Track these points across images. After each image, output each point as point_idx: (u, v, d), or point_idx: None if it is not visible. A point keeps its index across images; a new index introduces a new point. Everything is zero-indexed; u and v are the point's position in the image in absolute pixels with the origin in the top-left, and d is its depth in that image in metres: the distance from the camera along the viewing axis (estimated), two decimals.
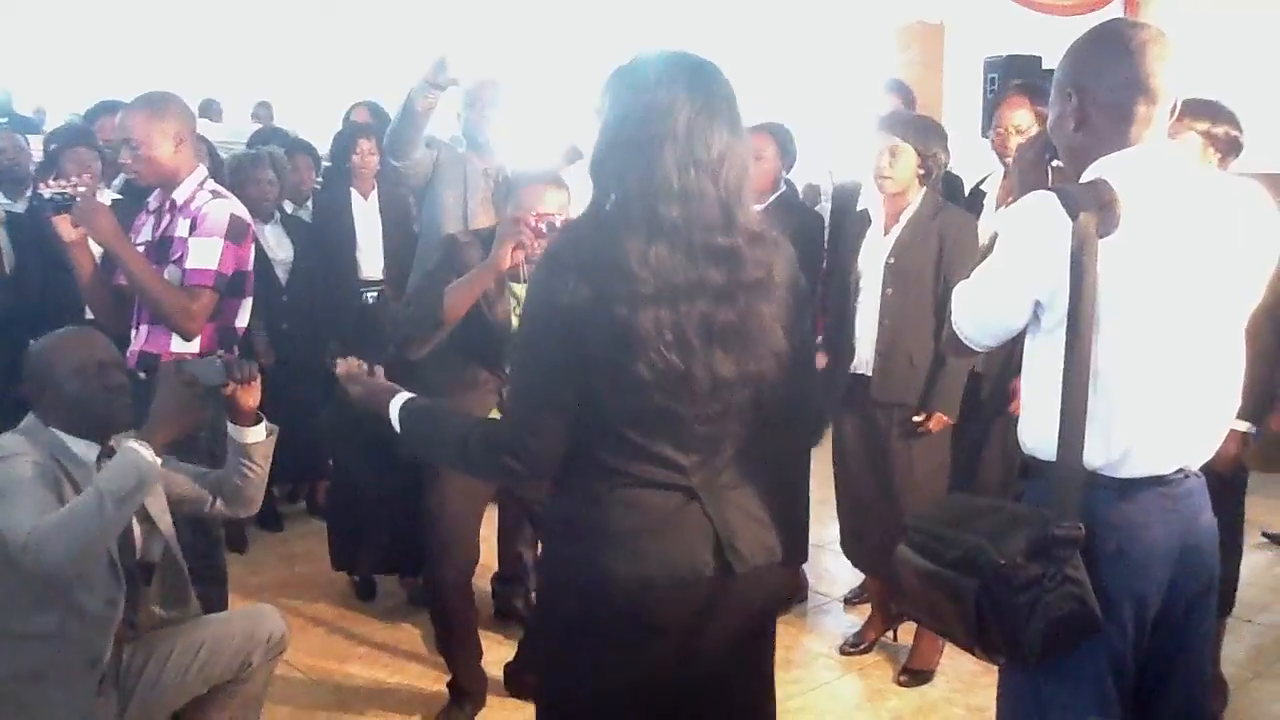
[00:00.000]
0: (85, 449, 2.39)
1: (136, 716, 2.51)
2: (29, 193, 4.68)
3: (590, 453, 1.69)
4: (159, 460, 2.20)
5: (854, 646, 3.71)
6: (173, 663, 2.52)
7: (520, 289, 2.99)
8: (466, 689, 3.23)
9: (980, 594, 1.73)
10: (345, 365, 2.02)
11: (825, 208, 5.86)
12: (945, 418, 3.37)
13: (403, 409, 1.87)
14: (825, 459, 3.90)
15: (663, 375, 1.62)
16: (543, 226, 2.72)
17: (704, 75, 1.67)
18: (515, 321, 2.99)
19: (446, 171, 3.72)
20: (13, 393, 2.43)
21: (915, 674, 3.50)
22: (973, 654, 1.88)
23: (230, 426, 2.54)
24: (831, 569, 4.42)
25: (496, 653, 3.45)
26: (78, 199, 2.85)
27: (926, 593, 1.86)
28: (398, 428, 1.87)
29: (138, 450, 2.17)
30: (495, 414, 2.98)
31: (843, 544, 3.69)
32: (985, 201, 3.69)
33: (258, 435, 2.54)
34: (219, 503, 2.61)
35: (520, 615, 3.76)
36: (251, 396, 2.49)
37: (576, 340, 1.61)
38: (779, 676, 2.03)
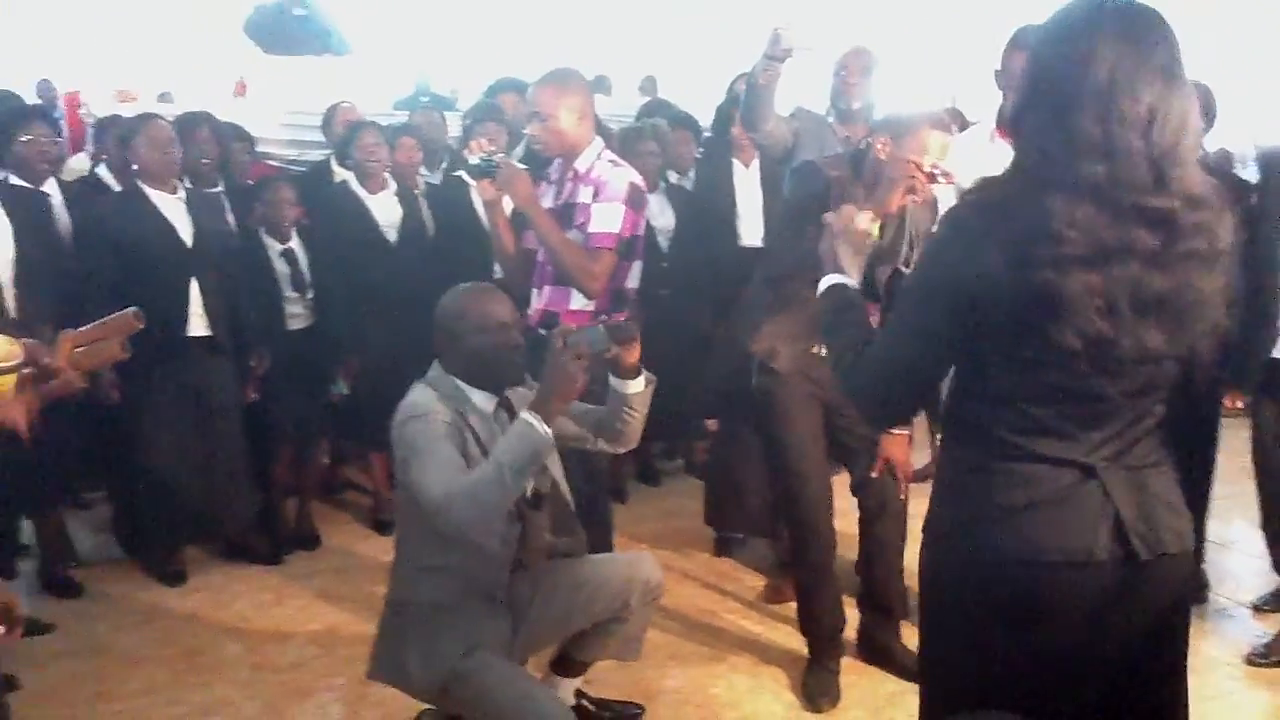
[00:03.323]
0: (483, 400, 2.57)
1: (525, 642, 2.72)
2: (444, 164, 5.17)
3: (979, 423, 1.63)
4: (550, 432, 2.31)
5: (1263, 657, 3.36)
6: (559, 596, 2.71)
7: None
8: (821, 657, 3.27)
9: None
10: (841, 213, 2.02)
11: (1241, 175, 5.30)
12: None
13: (832, 286, 1.89)
14: (1231, 451, 3.55)
15: (1091, 344, 1.52)
16: (935, 173, 2.71)
17: (1136, 21, 1.53)
18: None
19: (807, 140, 3.76)
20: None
21: None
22: None
23: (612, 379, 2.64)
24: (1236, 571, 4.04)
25: None
26: (499, 165, 3.10)
27: None
28: (819, 293, 1.91)
29: (533, 424, 2.29)
30: None
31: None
32: None
33: (638, 387, 2.64)
34: (600, 441, 2.75)
35: None
36: (632, 355, 2.58)
37: (974, 311, 1.54)
38: None
